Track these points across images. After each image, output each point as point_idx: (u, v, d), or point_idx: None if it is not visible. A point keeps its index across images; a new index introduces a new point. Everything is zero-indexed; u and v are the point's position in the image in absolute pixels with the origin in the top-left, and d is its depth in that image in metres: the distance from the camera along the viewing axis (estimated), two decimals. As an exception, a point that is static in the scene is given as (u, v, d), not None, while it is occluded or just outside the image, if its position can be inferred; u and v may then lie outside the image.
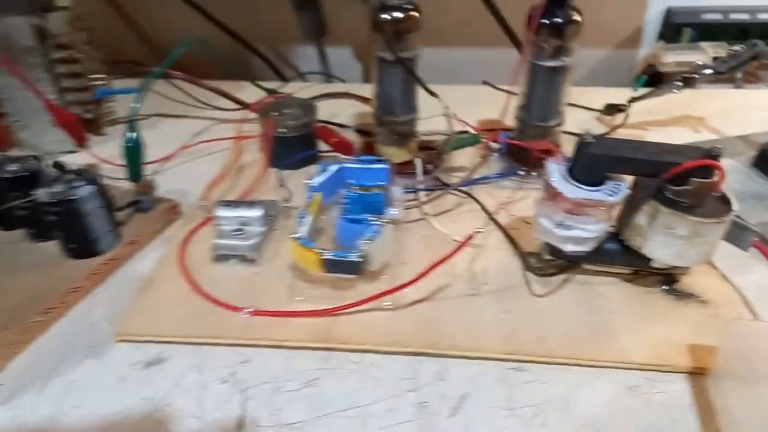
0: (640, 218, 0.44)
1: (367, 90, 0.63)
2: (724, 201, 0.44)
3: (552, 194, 0.44)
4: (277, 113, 0.64)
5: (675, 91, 0.66)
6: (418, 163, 0.61)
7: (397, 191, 0.55)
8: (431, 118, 0.74)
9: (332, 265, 0.45)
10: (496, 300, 0.47)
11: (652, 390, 0.40)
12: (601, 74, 0.91)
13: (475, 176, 0.63)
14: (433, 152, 0.63)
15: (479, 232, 0.53)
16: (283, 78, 0.95)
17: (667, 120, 0.75)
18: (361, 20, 0.91)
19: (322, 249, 0.45)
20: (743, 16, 0.82)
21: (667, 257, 0.44)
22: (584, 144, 0.42)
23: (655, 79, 0.81)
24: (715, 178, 0.42)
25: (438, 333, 0.44)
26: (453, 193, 0.60)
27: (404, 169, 0.62)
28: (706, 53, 0.77)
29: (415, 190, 0.59)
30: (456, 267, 0.50)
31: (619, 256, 0.47)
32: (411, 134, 0.62)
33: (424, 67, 0.58)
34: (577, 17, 0.54)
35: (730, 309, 0.46)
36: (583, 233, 0.44)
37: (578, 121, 0.76)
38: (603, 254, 0.47)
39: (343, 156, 0.64)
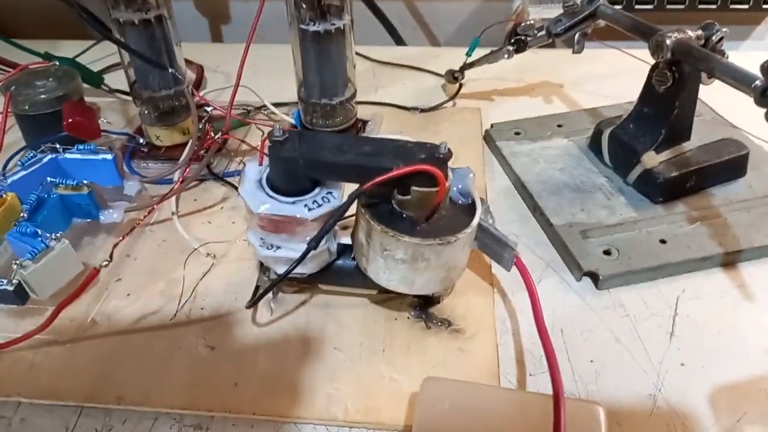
0: (360, 234, 0.35)
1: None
2: (470, 211, 0.35)
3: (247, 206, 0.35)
4: (25, 85, 0.53)
5: (506, 57, 0.56)
6: (188, 148, 0.51)
7: (131, 186, 0.45)
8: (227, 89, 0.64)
9: (-14, 294, 0.36)
10: (202, 331, 0.38)
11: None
12: (473, 30, 0.80)
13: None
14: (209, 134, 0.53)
15: (105, 266, 0.39)
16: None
17: (518, 88, 0.65)
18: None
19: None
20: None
21: (392, 283, 0.35)
22: (272, 144, 0.32)
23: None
24: (437, 189, 0.32)
25: (111, 379, 0.35)
26: (224, 184, 0.51)
27: (174, 153, 0.52)
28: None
29: (171, 182, 0.49)
30: (176, 285, 0.41)
31: (355, 276, 0.37)
32: (180, 110, 0.52)
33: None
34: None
35: (482, 342, 0.37)
36: (290, 253, 0.35)
37: (422, 90, 0.66)
38: (336, 275, 0.38)
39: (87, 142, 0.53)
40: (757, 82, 0.36)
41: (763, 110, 0.35)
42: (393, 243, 0.33)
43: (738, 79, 0.37)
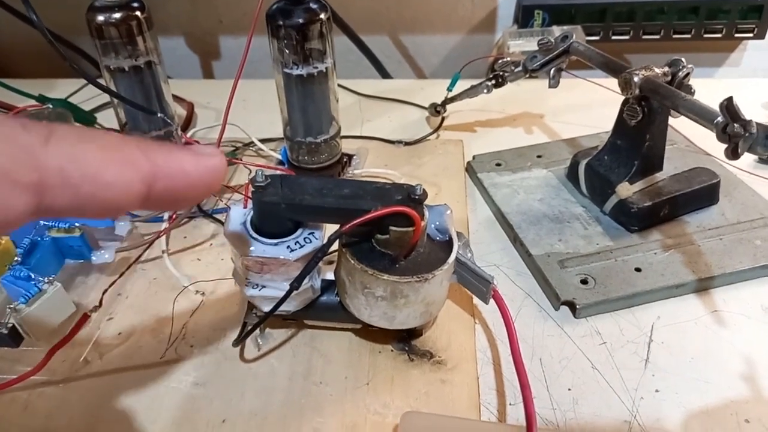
0: (342, 272, 0.36)
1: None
2: (448, 247, 0.36)
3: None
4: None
5: (486, 91, 0.58)
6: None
7: (123, 227, 0.47)
8: (216, 127, 0.66)
9: (-22, 337, 0.37)
10: (193, 368, 0.39)
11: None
12: (457, 62, 0.82)
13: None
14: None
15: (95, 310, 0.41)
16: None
17: (500, 119, 0.67)
18: (188, 7, 0.82)
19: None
20: (600, -4, 0.74)
21: (374, 319, 0.36)
22: (255, 189, 0.34)
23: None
24: (413, 229, 0.33)
25: (102, 418, 0.37)
26: (213, 221, 0.52)
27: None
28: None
29: (162, 219, 0.50)
30: (166, 323, 0.42)
31: (339, 312, 0.39)
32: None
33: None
34: (321, 15, 0.45)
35: (464, 374, 0.38)
36: (274, 292, 0.36)
37: (407, 122, 0.68)
38: (321, 310, 0.39)
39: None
40: (719, 119, 0.38)
41: (724, 145, 0.37)
42: (372, 281, 0.34)
43: (701, 115, 0.39)
